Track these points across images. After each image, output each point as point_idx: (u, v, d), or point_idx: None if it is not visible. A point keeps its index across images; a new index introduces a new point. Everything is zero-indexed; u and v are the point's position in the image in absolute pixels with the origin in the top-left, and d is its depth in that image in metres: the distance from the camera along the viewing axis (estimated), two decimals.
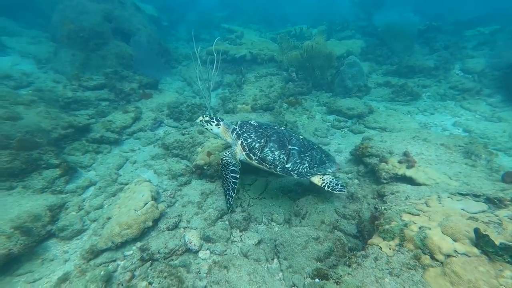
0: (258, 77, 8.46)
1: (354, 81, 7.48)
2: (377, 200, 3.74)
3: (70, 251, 3.14)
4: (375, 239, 2.58)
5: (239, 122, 3.68)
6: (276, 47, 10.22)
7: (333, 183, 3.52)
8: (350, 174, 4.77)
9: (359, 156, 4.75)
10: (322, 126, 6.45)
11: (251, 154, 3.41)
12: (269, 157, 3.39)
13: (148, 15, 11.60)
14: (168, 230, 3.45)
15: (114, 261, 2.99)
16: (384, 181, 4.02)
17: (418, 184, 3.64)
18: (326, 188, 3.51)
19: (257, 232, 3.55)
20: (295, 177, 3.44)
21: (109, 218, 3.41)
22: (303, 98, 7.81)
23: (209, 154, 4.68)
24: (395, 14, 10.90)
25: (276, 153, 3.41)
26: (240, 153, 3.50)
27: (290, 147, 3.48)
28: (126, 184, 4.31)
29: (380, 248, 2.42)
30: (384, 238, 2.51)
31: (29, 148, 3.76)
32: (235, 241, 3.40)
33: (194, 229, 3.50)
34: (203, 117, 3.67)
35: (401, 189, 3.48)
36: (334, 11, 15.71)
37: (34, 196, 3.52)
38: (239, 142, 3.48)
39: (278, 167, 3.39)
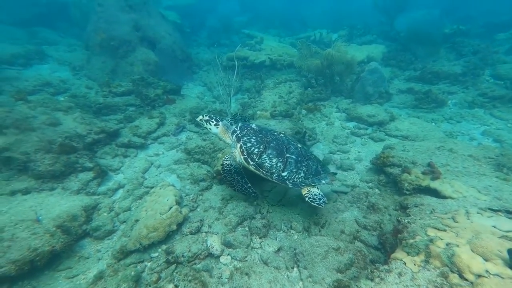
0: (277, 83, 8.54)
1: (375, 87, 7.36)
2: (399, 212, 3.68)
3: (102, 250, 3.37)
4: (399, 253, 2.56)
5: (239, 125, 3.71)
6: (295, 53, 10.27)
7: (317, 198, 3.45)
8: (370, 184, 4.72)
9: (380, 166, 4.69)
10: (341, 133, 6.41)
11: (249, 159, 3.44)
12: (266, 164, 3.41)
13: (172, 22, 12.07)
14: (191, 234, 3.59)
15: (142, 262, 3.17)
16: (407, 192, 3.95)
17: (444, 197, 3.53)
18: (306, 199, 3.48)
19: (276, 240, 3.61)
20: (290, 186, 3.44)
21: (137, 221, 3.61)
22: (322, 104, 7.79)
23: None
24: (419, 18, 10.58)
25: (274, 160, 3.42)
26: (239, 156, 3.54)
27: (288, 155, 3.48)
28: (152, 187, 4.52)
29: (404, 263, 2.40)
30: (408, 253, 2.49)
31: (68, 152, 4.09)
32: (255, 248, 3.47)
33: (216, 234, 3.62)
34: (203, 116, 3.73)
35: (426, 202, 3.41)
36: (355, 15, 15.47)
37: (71, 197, 3.81)
38: (239, 145, 3.51)
39: (274, 175, 3.41)
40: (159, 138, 6.21)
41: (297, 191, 4.51)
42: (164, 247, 3.34)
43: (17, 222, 2.96)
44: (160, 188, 4.25)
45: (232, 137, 3.64)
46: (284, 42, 12.91)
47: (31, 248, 2.72)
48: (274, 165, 3.40)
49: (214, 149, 5.46)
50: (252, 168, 3.46)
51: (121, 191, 4.50)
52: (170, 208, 3.71)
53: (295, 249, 3.34)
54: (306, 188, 3.55)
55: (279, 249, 3.42)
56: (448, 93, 7.80)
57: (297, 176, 3.47)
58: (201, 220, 3.81)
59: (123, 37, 8.56)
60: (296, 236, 3.69)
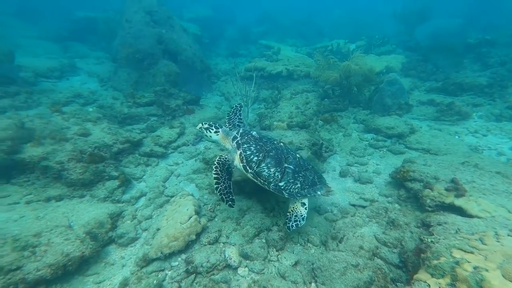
0: (294, 94, 8.60)
1: (394, 99, 7.24)
2: (421, 229, 3.58)
3: (126, 257, 3.52)
4: (422, 274, 2.50)
5: (240, 131, 3.74)
6: (312, 63, 10.32)
7: (294, 219, 3.51)
8: (390, 198, 4.62)
9: (399, 180, 4.59)
10: (359, 145, 6.33)
11: (247, 167, 3.46)
12: (264, 173, 3.43)
13: (192, 34, 12.58)
14: (209, 244, 3.67)
15: (163, 270, 3.28)
16: (429, 209, 3.83)
17: (470, 216, 3.39)
18: (286, 218, 3.55)
19: (293, 253, 3.61)
20: (286, 196, 3.45)
21: (158, 229, 3.75)
22: (339, 115, 7.75)
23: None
24: (441, 27, 10.34)
25: (272, 170, 3.44)
26: (238, 162, 3.56)
27: (286, 165, 3.50)
28: (172, 196, 4.68)
29: (428, 285, 2.34)
30: (432, 275, 2.42)
31: (96, 162, 4.36)
32: (272, 260, 3.49)
33: (233, 245, 3.68)
34: (202, 124, 3.78)
35: (450, 220, 3.30)
36: (373, 25, 15.32)
37: (98, 204, 4.03)
38: (239, 152, 3.54)
39: (272, 184, 3.43)
40: (179, 148, 6.43)
41: (311, 204, 4.52)
42: (183, 256, 3.45)
43: (52, 228, 3.19)
44: (180, 198, 4.39)
45: (232, 143, 3.66)
46: (301, 52, 13.02)
47: (64, 253, 2.92)
48: (272, 175, 3.43)
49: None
50: (250, 176, 3.50)
51: (143, 199, 4.69)
52: (190, 218, 3.82)
53: (312, 264, 3.33)
54: (294, 203, 3.60)
55: (296, 263, 3.43)
56: (473, 105, 7.52)
57: (293, 186, 3.49)
58: (219, 230, 3.89)
59: (148, 50, 9.03)
60: (313, 250, 3.68)
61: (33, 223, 3.28)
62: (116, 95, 8.27)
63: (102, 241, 3.45)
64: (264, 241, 3.75)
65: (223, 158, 3.58)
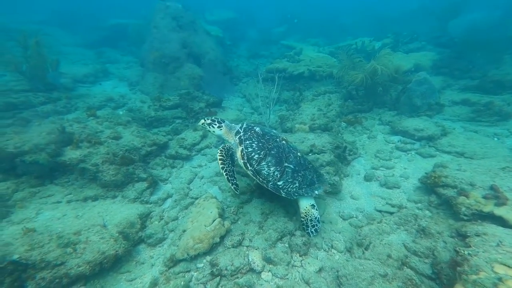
0: (316, 95, 8.48)
1: (424, 99, 6.86)
2: (456, 239, 3.38)
3: (154, 256, 3.70)
4: None
5: (244, 126, 3.71)
6: (335, 63, 10.08)
7: (311, 223, 3.53)
8: (419, 204, 4.41)
9: (430, 186, 4.36)
10: (385, 148, 6.10)
11: (248, 164, 3.46)
12: (264, 171, 3.43)
13: (215, 37, 12.82)
14: (233, 247, 3.73)
15: (189, 271, 3.40)
16: (465, 218, 3.61)
17: None
18: (301, 224, 3.56)
19: (317, 259, 3.58)
20: (283, 195, 3.45)
21: (184, 231, 3.89)
22: (363, 116, 7.50)
23: None
24: (477, 21, 9.58)
25: (272, 168, 3.44)
26: (239, 158, 3.55)
27: (286, 164, 3.49)
28: (196, 198, 4.82)
29: None
30: None
31: (127, 164, 4.62)
32: (295, 266, 3.48)
33: (256, 249, 3.71)
34: (205, 120, 3.79)
35: (490, 231, 3.08)
36: (400, 21, 14.55)
37: (129, 205, 4.27)
38: (240, 148, 3.52)
39: (270, 183, 3.44)
40: (202, 150, 6.59)
41: (335, 208, 4.43)
42: (208, 258, 3.54)
43: (89, 227, 3.44)
44: (204, 200, 4.51)
45: (235, 138, 3.64)
46: (323, 51, 12.77)
47: (100, 251, 3.14)
48: (272, 174, 3.44)
49: None
50: (250, 173, 3.51)
51: (169, 200, 4.87)
52: (214, 220, 3.91)
53: (337, 271, 3.28)
54: (305, 208, 3.58)
55: (320, 269, 3.39)
56: None
57: (291, 186, 3.50)
58: (242, 233, 3.93)
59: (173, 54, 9.37)
60: (337, 257, 3.62)
61: (73, 222, 3.56)
62: (143, 98, 8.68)
63: (133, 241, 3.65)
64: (287, 245, 3.75)
65: (227, 146, 3.63)
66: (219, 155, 3.51)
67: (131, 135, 5.56)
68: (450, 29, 10.50)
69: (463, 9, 10.62)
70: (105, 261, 3.11)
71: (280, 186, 3.47)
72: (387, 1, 21.10)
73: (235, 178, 3.54)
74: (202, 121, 3.81)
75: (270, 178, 3.45)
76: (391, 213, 4.28)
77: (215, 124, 3.75)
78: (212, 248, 3.65)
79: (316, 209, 3.60)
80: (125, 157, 4.59)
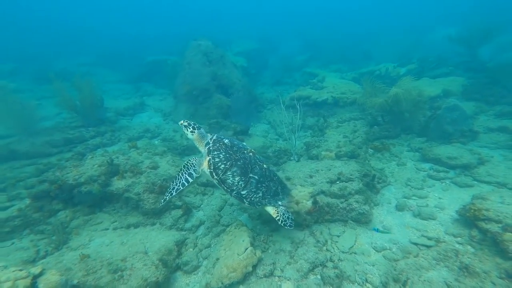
0: (341, 122, 8.58)
1: (455, 126, 6.68)
2: (507, 281, 3.17)
3: (190, 284, 3.86)
4: None
5: (214, 138, 3.85)
6: (359, 89, 10.20)
7: (285, 217, 3.74)
8: (460, 238, 4.19)
9: (470, 219, 4.16)
10: (416, 176, 5.94)
11: (214, 173, 3.62)
12: (229, 181, 3.59)
13: (241, 67, 13.66)
14: (265, 277, 3.79)
15: None
16: None
17: None
18: (279, 223, 3.68)
19: None
20: (246, 204, 3.59)
21: (217, 259, 4.04)
22: (391, 143, 7.40)
23: (297, 203, 4.98)
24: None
25: (237, 178, 3.59)
26: (206, 167, 3.69)
27: (251, 175, 3.65)
28: (227, 225, 4.99)
29: None
30: None
31: (164, 192, 4.98)
32: None
33: (288, 280, 3.75)
34: (183, 122, 3.96)
35: None
36: (425, 47, 14.45)
37: (166, 232, 4.57)
38: (208, 158, 3.68)
39: (234, 192, 3.59)
40: None
41: (366, 239, 4.33)
42: (241, 287, 3.64)
43: (133, 253, 3.75)
44: (235, 228, 4.66)
45: (204, 148, 3.83)
46: (346, 77, 12.98)
47: (144, 277, 3.38)
48: (236, 183, 3.60)
49: None
50: (215, 182, 3.68)
51: (202, 227, 5.09)
52: (246, 249, 4.02)
53: None
54: (274, 209, 3.73)
55: None
56: None
57: (255, 195, 3.66)
58: (273, 263, 4.00)
59: (203, 86, 10.16)
60: None
61: (119, 248, 3.90)
62: (176, 128, 9.36)
63: (171, 267, 3.87)
64: (319, 277, 3.74)
65: (190, 163, 3.81)
66: (181, 169, 3.85)
67: (167, 164, 6.03)
68: (481, 55, 10.20)
69: (495, 35, 10.29)
70: None
71: (244, 195, 3.65)
72: (413, 27, 21.20)
73: (171, 193, 3.79)
74: (181, 122, 4.00)
75: (234, 187, 3.62)
76: (428, 247, 4.11)
77: (189, 128, 3.92)
78: (245, 277, 3.73)
79: (282, 206, 3.83)
80: (162, 186, 4.98)
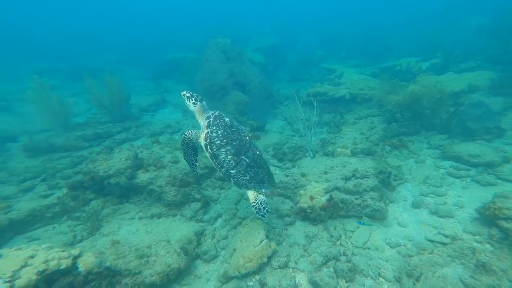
0: (358, 118, 8.48)
1: (480, 122, 6.42)
2: None
3: (209, 272, 4.13)
4: None
5: (216, 113, 3.90)
6: (377, 84, 9.96)
7: (262, 206, 3.77)
8: (478, 237, 4.14)
9: (490, 217, 4.09)
10: (435, 174, 5.83)
11: (208, 147, 3.69)
12: (221, 157, 3.67)
13: (258, 64, 13.75)
14: (280, 268, 3.97)
15: None
16: None
17: None
18: (253, 209, 3.78)
19: (364, 286, 3.61)
20: (232, 183, 3.75)
21: (234, 250, 4.27)
22: (409, 140, 7.24)
23: (311, 198, 5.10)
24: None
25: (229, 157, 3.66)
26: (202, 140, 3.76)
27: (243, 157, 3.71)
28: (244, 218, 5.19)
29: None
30: None
31: (185, 186, 5.30)
32: None
33: (302, 272, 3.91)
34: (186, 92, 4.03)
35: None
36: (451, 40, 13.59)
37: (186, 223, 4.86)
38: (206, 131, 3.73)
39: (223, 169, 3.69)
40: None
41: (381, 235, 4.37)
42: (257, 277, 3.84)
43: (157, 241, 4.06)
44: (251, 221, 4.87)
45: (204, 121, 3.88)
46: (365, 73, 12.67)
47: (167, 264, 3.69)
48: (227, 161, 3.67)
49: (296, 185, 5.84)
50: (208, 155, 3.76)
51: (220, 220, 5.35)
52: (261, 241, 4.22)
53: None
54: (254, 195, 3.80)
55: None
56: None
57: (242, 177, 3.74)
58: (287, 255, 4.17)
59: (221, 83, 10.38)
60: (385, 286, 3.61)
61: (145, 236, 4.25)
62: (195, 124, 9.68)
63: (191, 256, 4.15)
64: (332, 270, 3.86)
65: (187, 138, 3.89)
66: (182, 147, 3.98)
67: None
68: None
69: None
70: (171, 273, 3.63)
71: (232, 175, 3.73)
72: (437, 18, 20.10)
73: (196, 166, 4.04)
74: (184, 92, 4.06)
75: (225, 165, 3.70)
76: (445, 244, 4.11)
77: (192, 100, 3.99)
78: (260, 268, 3.93)
79: (263, 195, 3.85)
80: (183, 180, 5.28)
